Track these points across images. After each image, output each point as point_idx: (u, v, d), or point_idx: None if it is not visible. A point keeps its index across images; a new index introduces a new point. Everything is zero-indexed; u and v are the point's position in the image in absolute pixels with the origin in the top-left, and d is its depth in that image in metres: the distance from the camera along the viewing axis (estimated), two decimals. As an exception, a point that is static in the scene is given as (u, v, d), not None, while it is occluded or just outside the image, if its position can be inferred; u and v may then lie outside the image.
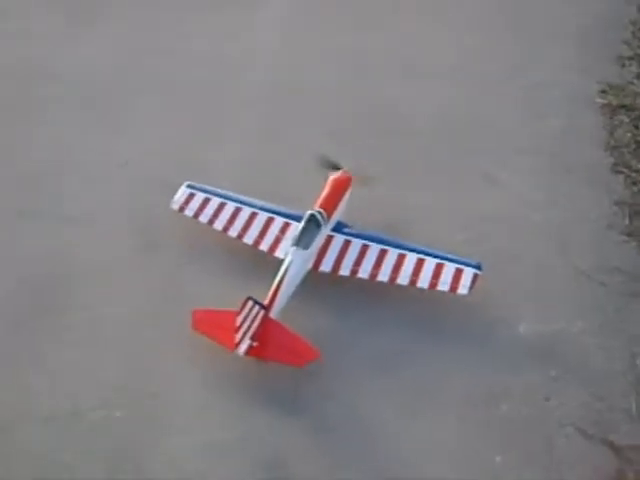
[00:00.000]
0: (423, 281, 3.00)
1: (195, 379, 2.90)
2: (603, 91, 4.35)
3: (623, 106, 4.23)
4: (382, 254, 3.07)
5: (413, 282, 3.00)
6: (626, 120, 4.14)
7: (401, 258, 3.06)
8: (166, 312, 3.08)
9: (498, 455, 2.69)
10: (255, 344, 2.73)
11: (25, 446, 2.72)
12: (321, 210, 3.08)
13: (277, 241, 3.12)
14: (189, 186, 3.35)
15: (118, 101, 4.15)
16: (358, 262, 3.04)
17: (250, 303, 2.71)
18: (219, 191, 3.32)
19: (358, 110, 4.08)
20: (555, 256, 3.39)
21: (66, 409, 2.81)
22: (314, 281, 3.07)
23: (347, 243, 3.10)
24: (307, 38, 4.59)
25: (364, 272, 3.03)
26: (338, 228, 3.14)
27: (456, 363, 2.96)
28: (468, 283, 2.98)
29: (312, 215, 3.04)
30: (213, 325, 2.79)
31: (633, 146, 3.97)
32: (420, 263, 3.04)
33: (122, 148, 3.87)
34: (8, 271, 3.28)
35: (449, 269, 3.03)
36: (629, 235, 3.50)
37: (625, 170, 3.83)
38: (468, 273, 3.02)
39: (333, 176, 3.26)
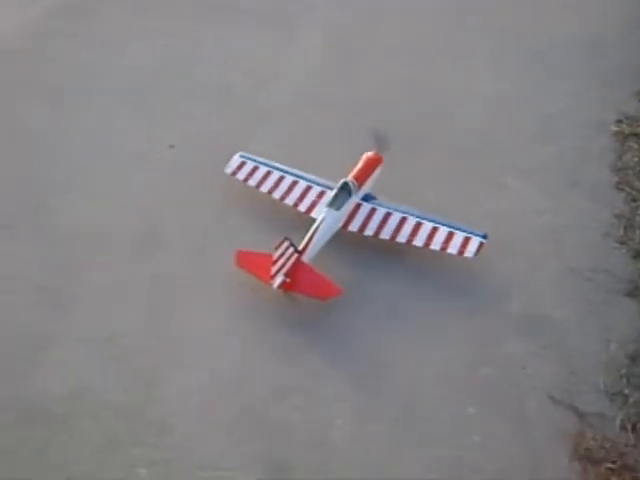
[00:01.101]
0: (435, 244, 3.51)
1: (224, 317, 3.32)
2: (619, 120, 4.72)
3: (635, 134, 4.59)
4: (402, 220, 3.59)
5: (427, 245, 3.51)
6: (635, 146, 4.50)
7: (418, 225, 3.57)
8: (206, 253, 3.58)
9: (471, 407, 3.03)
10: (288, 280, 3.22)
11: (59, 363, 3.13)
12: (353, 180, 3.63)
13: (313, 205, 3.66)
14: (241, 156, 3.93)
15: (164, 100, 4.66)
16: (381, 226, 3.57)
17: (286, 243, 3.22)
18: (266, 161, 3.89)
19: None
20: (550, 254, 3.73)
21: (100, 334, 3.24)
22: (342, 240, 3.57)
23: (373, 210, 3.64)
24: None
25: (386, 234, 3.55)
26: (366, 198, 3.69)
27: (443, 329, 3.34)
28: (474, 249, 3.49)
29: (345, 183, 3.60)
30: (253, 263, 3.30)
31: (638, 168, 4.32)
32: (434, 230, 3.55)
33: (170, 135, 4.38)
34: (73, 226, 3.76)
35: (459, 237, 3.53)
36: (622, 243, 3.83)
37: (627, 188, 4.17)
38: (475, 241, 3.52)
39: (367, 153, 3.80)
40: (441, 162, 4.25)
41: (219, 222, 3.78)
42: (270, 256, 3.25)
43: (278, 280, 3.24)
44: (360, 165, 3.77)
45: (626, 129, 4.61)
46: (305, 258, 3.34)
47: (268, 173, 3.85)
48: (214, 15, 5.53)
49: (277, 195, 3.77)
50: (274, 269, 3.24)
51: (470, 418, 3.00)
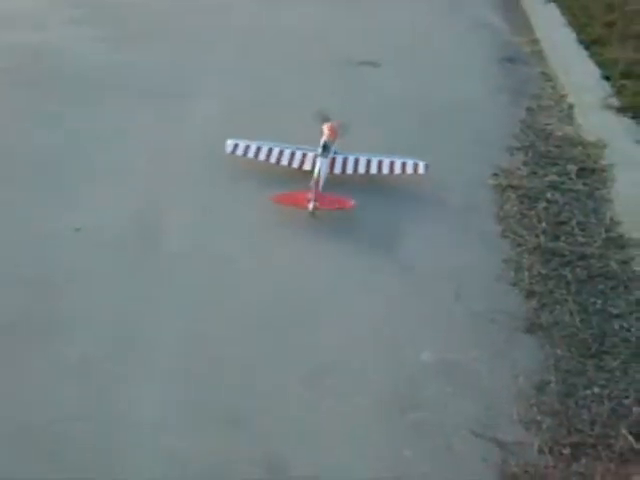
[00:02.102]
0: (397, 169, 4.89)
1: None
2: (495, 174, 5.19)
3: (511, 186, 5.05)
4: (369, 161, 4.91)
5: (391, 170, 4.89)
6: (513, 196, 4.95)
7: (381, 162, 4.91)
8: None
9: (407, 450, 3.28)
10: (317, 204, 4.35)
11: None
12: (327, 140, 4.78)
13: (302, 162, 4.82)
14: (233, 140, 4.96)
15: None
16: (355, 167, 4.88)
17: (313, 186, 4.47)
18: (254, 142, 4.94)
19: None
20: (452, 301, 4.08)
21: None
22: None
23: (345, 158, 4.88)
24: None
25: (362, 169, 4.89)
26: (336, 152, 4.86)
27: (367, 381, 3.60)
28: (423, 170, 4.92)
29: (325, 142, 4.74)
30: (290, 198, 4.51)
31: (518, 217, 4.75)
32: (392, 162, 4.93)
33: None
34: None
35: (411, 163, 4.93)
36: (514, 285, 4.21)
37: (511, 235, 4.59)
38: (422, 164, 4.92)
39: (327, 125, 4.94)
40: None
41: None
42: (302, 193, 4.46)
43: (310, 205, 4.41)
44: (326, 132, 4.88)
45: (503, 181, 5.07)
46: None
47: (259, 147, 4.88)
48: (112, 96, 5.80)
49: (273, 160, 4.83)
50: (308, 197, 4.44)
51: (408, 460, 3.24)
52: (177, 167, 5.09)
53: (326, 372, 3.61)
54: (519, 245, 4.51)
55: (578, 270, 4.30)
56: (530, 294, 4.14)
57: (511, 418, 3.44)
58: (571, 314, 4.00)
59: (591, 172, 5.26)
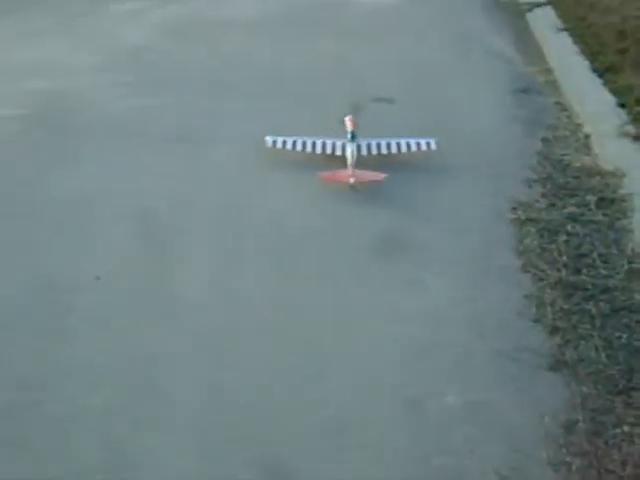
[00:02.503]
0: (413, 147, 5.69)
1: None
2: (514, 208, 5.15)
3: (530, 219, 5.01)
4: (387, 143, 5.70)
5: (407, 148, 5.68)
6: (533, 230, 4.90)
7: (398, 143, 5.69)
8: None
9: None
10: (354, 180, 5.18)
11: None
12: (353, 130, 5.56)
13: (334, 149, 5.57)
14: (270, 137, 5.70)
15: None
16: (378, 147, 5.65)
17: (350, 167, 5.31)
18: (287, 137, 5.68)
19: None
20: (475, 340, 4.03)
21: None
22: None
23: (369, 142, 5.63)
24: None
25: (383, 150, 5.66)
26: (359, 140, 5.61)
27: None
28: (434, 146, 5.65)
29: (352, 131, 5.54)
30: (333, 176, 5.30)
31: (538, 250, 4.70)
32: (407, 142, 5.71)
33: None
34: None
35: (423, 142, 5.68)
36: (536, 321, 4.15)
37: (532, 270, 4.54)
38: (433, 142, 5.67)
39: (347, 117, 5.64)
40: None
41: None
42: (343, 170, 5.31)
43: (352, 180, 5.16)
44: (349, 123, 5.60)
45: (522, 215, 5.03)
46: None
47: (295, 141, 5.62)
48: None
49: (309, 149, 5.59)
50: (348, 174, 5.25)
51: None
52: (197, 212, 5.12)
53: (348, 419, 3.56)
54: (540, 280, 4.46)
55: (601, 304, 4.24)
56: (553, 330, 4.07)
57: (539, 460, 3.37)
58: (596, 350, 3.93)
59: (610, 202, 5.21)
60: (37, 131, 6.24)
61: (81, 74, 7.37)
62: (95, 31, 8.78)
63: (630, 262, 4.57)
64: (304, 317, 4.16)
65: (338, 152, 5.50)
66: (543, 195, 5.32)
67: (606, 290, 4.34)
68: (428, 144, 5.62)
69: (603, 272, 4.49)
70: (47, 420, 3.52)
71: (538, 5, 9.43)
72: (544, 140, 6.11)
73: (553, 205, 5.17)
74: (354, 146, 5.44)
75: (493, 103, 6.86)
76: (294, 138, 5.61)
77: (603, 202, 5.21)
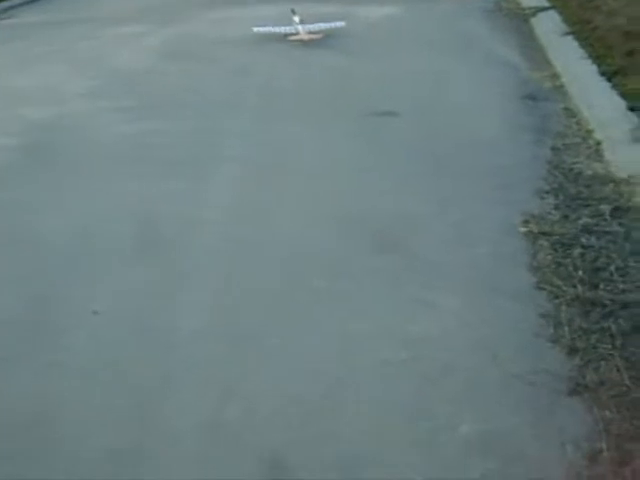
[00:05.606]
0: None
1: None
2: (526, 221, 4.94)
3: (543, 233, 4.80)
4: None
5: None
6: (546, 244, 4.69)
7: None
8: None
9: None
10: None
11: None
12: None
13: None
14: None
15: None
16: None
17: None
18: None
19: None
20: (489, 365, 3.82)
21: None
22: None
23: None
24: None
25: None
26: None
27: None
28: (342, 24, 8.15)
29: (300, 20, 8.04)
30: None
31: (553, 266, 4.49)
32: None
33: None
34: None
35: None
36: (554, 342, 3.94)
37: (548, 287, 4.32)
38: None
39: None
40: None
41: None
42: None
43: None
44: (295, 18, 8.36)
45: (534, 228, 4.82)
46: None
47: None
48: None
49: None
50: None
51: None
52: (201, 238, 4.94)
53: (358, 457, 3.35)
54: (556, 297, 4.24)
55: (621, 321, 4.02)
56: (572, 351, 3.85)
57: (562, 491, 3.16)
58: (618, 370, 3.71)
59: (625, 211, 5.00)
60: (35, 156, 6.11)
61: (80, 98, 7.27)
62: (94, 55, 8.77)
63: (649, 275, 4.36)
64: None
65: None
66: (556, 207, 5.11)
67: (626, 306, 4.12)
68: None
69: (621, 286, 4.27)
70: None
71: (542, 9, 9.26)
72: (554, 148, 5.91)
73: (566, 217, 4.96)
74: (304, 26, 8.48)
75: (499, 111, 6.68)
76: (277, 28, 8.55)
77: (618, 211, 5.00)
